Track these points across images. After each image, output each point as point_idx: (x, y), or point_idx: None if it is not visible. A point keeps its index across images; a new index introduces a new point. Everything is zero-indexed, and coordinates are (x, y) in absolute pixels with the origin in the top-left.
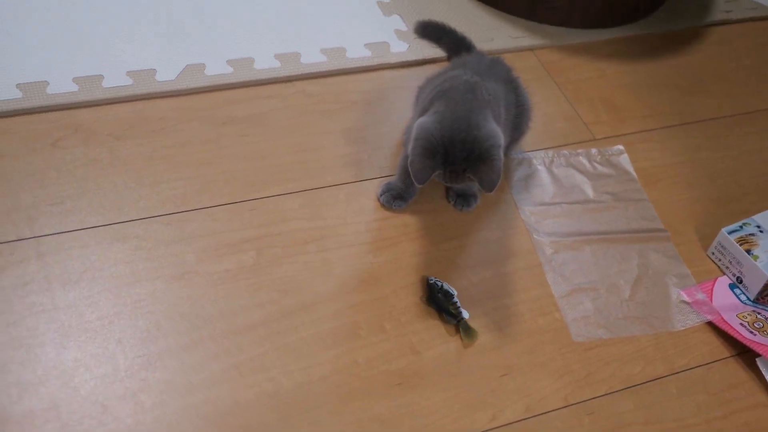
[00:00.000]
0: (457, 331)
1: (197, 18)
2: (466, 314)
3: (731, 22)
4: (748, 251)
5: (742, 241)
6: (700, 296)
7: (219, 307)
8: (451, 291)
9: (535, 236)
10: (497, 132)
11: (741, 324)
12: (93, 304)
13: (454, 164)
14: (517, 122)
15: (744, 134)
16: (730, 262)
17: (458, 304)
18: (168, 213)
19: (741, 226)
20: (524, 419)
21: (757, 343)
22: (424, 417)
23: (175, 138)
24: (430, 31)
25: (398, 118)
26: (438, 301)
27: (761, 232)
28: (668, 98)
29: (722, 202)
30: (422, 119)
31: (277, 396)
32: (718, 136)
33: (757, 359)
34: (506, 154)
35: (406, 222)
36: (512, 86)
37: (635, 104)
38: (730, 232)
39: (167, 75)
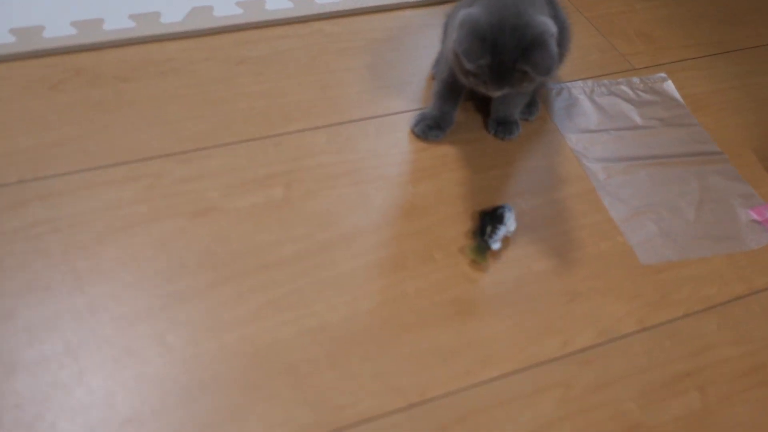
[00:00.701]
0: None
1: None
2: (496, 246)
3: None
4: None
5: None
6: None
7: (248, 243)
8: (504, 220)
9: (584, 162)
10: (549, 21)
11: None
12: (105, 243)
13: (503, 53)
14: (558, 40)
15: None
16: None
17: (498, 233)
18: (184, 151)
19: None
20: (599, 344)
21: None
22: (488, 346)
23: (186, 78)
24: None
25: (426, 54)
26: (485, 221)
27: None
28: (705, 29)
29: None
30: (467, 10)
31: (322, 331)
32: (764, 61)
33: None
34: (543, 84)
35: (444, 152)
36: (549, 1)
37: (671, 35)
38: None
39: (173, 17)
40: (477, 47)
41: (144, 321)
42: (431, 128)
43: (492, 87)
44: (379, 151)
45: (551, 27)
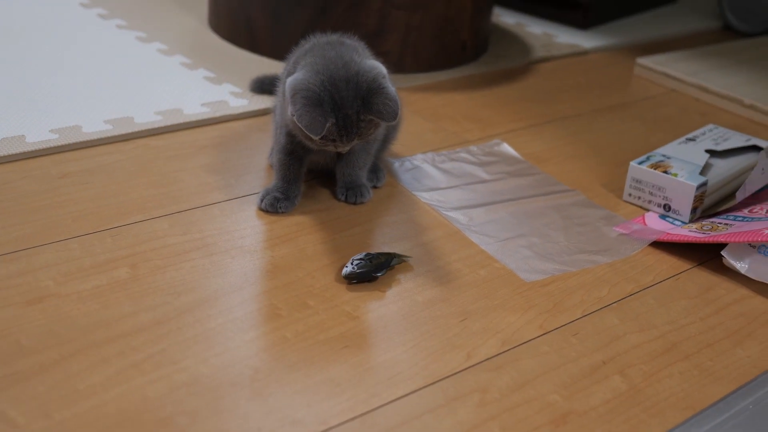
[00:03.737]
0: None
1: (13, 89)
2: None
3: (553, 58)
4: (665, 172)
5: (654, 167)
6: (636, 226)
7: (96, 318)
8: (367, 255)
9: (443, 212)
10: (377, 63)
11: (690, 231)
12: None
13: (345, 107)
14: None
15: (609, 120)
16: (651, 193)
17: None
18: (8, 252)
19: (647, 158)
20: (506, 351)
21: (715, 236)
22: (388, 369)
23: (1, 195)
24: (267, 84)
25: (259, 152)
26: (371, 269)
27: (668, 158)
28: (525, 108)
29: (618, 164)
30: (293, 77)
31: (197, 383)
32: (588, 123)
33: (722, 252)
34: (386, 145)
35: (298, 221)
36: None
37: (496, 114)
38: (639, 163)
39: None
40: (319, 115)
41: None
42: (279, 200)
43: (342, 142)
44: (229, 228)
45: (382, 68)
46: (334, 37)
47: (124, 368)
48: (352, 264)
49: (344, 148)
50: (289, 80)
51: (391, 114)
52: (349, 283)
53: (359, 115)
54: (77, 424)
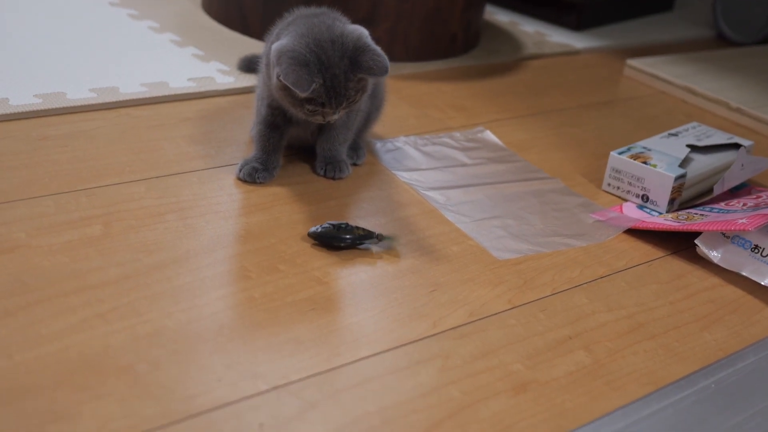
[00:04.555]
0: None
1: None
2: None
3: (544, 56)
4: (644, 163)
5: (634, 158)
6: (613, 214)
7: (65, 271)
8: (341, 223)
9: (421, 191)
10: (359, 26)
11: (665, 220)
12: None
13: (333, 67)
14: (373, 92)
15: (595, 116)
16: (630, 183)
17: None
18: None
19: (628, 149)
20: (472, 322)
21: (690, 225)
22: (353, 331)
23: None
24: (255, 63)
25: (241, 125)
26: (340, 237)
27: (649, 150)
28: (512, 100)
29: (599, 157)
30: (278, 43)
31: (160, 335)
32: (572, 118)
33: (696, 241)
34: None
35: (275, 192)
36: None
37: (482, 105)
38: (619, 154)
39: None
40: (305, 73)
41: None
42: (257, 170)
43: (331, 106)
44: (206, 194)
45: (365, 30)
46: (316, 9)
47: (89, 317)
48: (321, 226)
49: (332, 116)
50: (275, 45)
51: (381, 68)
52: (313, 244)
53: (347, 74)
54: (37, 366)
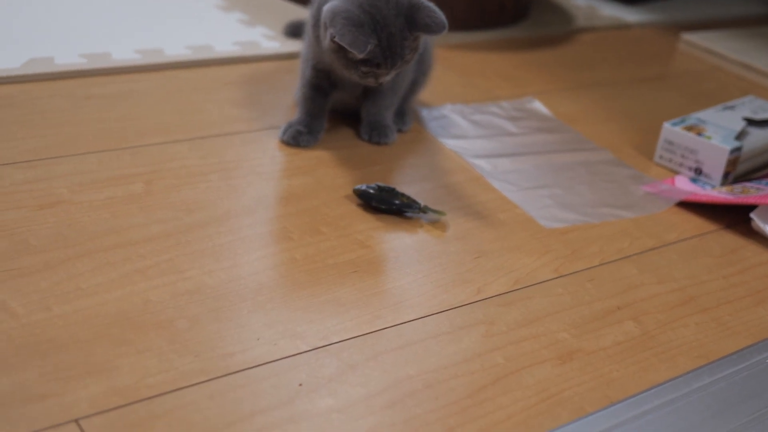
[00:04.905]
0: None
1: (46, 14)
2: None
3: (595, 29)
4: (699, 135)
5: (688, 129)
6: (665, 187)
7: (106, 226)
8: (389, 186)
9: (468, 158)
10: None
11: (719, 193)
12: None
13: (389, 26)
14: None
15: (645, 90)
16: (683, 156)
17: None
18: (27, 160)
19: (682, 120)
20: (518, 289)
21: (745, 198)
22: (395, 295)
23: (27, 110)
24: (302, 28)
25: (286, 90)
26: (386, 200)
27: (703, 122)
28: (560, 72)
29: (651, 130)
30: (329, 5)
31: (200, 292)
32: (622, 91)
33: (751, 215)
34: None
35: (319, 155)
36: None
37: (530, 76)
38: (673, 125)
39: (8, 64)
40: (361, 34)
41: None
42: (301, 134)
43: (387, 66)
44: (248, 156)
45: None
46: None
47: (129, 273)
48: (368, 185)
49: (387, 76)
50: (327, 6)
51: (440, 25)
52: (358, 204)
53: (403, 33)
54: (76, 320)
